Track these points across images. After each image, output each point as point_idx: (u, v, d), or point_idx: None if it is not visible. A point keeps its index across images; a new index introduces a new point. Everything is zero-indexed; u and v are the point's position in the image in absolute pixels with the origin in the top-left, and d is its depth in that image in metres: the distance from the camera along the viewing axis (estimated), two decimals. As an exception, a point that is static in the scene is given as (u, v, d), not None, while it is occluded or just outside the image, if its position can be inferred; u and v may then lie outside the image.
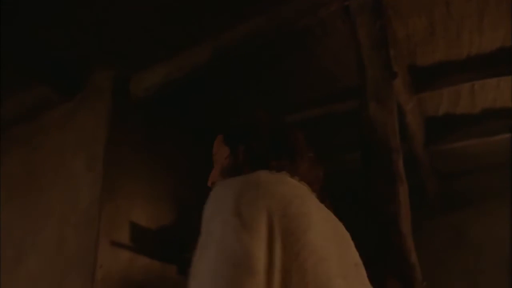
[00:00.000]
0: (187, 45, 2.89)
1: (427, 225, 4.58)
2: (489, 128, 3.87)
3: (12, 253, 3.23)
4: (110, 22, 2.75)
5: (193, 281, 1.11)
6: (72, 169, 3.06)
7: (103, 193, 2.84)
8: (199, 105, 3.42)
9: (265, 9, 2.62)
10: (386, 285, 1.89)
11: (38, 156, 3.40)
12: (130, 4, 2.64)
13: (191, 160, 3.46)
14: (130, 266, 2.91)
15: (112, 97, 3.08)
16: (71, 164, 3.09)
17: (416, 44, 3.10)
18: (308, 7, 2.57)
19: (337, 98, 3.44)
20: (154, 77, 3.04)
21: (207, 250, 1.11)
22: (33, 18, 2.72)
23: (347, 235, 1.38)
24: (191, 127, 3.52)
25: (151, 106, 3.23)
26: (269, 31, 2.63)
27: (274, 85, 3.35)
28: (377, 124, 2.22)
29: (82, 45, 2.95)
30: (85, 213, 2.85)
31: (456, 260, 4.52)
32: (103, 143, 2.96)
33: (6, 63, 3.05)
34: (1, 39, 2.83)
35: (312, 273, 1.15)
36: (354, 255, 1.36)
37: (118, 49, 2.95)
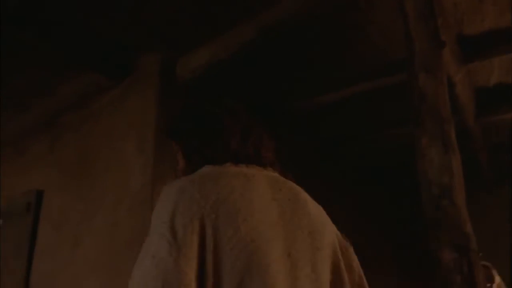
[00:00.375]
0: (232, 25, 2.90)
1: (484, 198, 4.51)
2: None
3: (69, 237, 3.34)
4: (155, 6, 2.78)
5: (130, 282, 1.21)
6: (123, 153, 3.13)
7: (154, 176, 2.89)
8: (245, 84, 3.44)
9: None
10: (441, 255, 1.89)
11: (89, 142, 3.49)
12: (174, -14, 2.66)
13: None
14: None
15: (160, 80, 3.12)
16: (122, 148, 3.15)
17: (464, 13, 3.04)
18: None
19: (385, 72, 3.40)
20: (200, 59, 3.07)
21: (146, 259, 1.24)
22: (80, 6, 2.78)
23: (300, 207, 1.46)
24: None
25: (198, 88, 3.26)
26: (315, 6, 2.62)
27: (321, 62, 3.33)
28: (427, 95, 2.20)
29: (129, 31, 3.00)
30: (137, 195, 2.91)
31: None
32: (153, 126, 3.01)
33: (56, 52, 3.14)
34: (51, 28, 2.91)
35: (244, 270, 1.26)
36: (308, 224, 1.45)
37: (164, 32, 2.98)
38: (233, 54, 2.94)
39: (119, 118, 3.27)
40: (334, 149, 4.26)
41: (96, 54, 3.13)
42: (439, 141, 2.09)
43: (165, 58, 3.16)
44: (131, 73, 3.28)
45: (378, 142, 4.23)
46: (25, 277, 3.48)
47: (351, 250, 1.57)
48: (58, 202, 3.55)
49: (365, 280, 1.57)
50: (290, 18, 2.68)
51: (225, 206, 1.32)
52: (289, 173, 1.60)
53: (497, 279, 3.73)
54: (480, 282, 1.89)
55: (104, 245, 3.04)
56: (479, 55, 3.35)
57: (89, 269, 3.09)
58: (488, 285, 3.66)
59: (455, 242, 1.89)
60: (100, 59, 3.21)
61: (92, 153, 3.42)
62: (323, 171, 4.07)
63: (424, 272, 4.41)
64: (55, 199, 3.59)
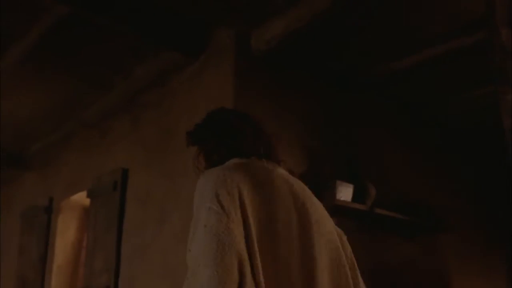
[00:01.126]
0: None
1: None
2: None
3: (156, 212, 3.49)
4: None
5: (188, 255, 1.52)
6: (204, 126, 3.22)
7: (236, 148, 2.97)
8: (321, 53, 3.45)
9: None
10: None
11: (170, 118, 3.61)
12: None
13: (318, 111, 3.52)
14: (268, 215, 3.04)
15: (235, 54, 3.18)
16: (202, 122, 3.25)
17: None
18: None
19: (463, 32, 3.33)
20: (274, 30, 3.11)
21: (198, 231, 1.51)
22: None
23: (308, 200, 1.78)
24: (314, 77, 3.56)
25: (274, 59, 3.30)
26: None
27: (396, 26, 3.30)
28: (511, 51, 2.15)
29: (202, 6, 3.07)
30: (222, 168, 3.00)
31: None
32: (231, 100, 3.08)
33: (134, 32, 3.26)
34: (127, 9, 3.02)
35: (275, 237, 1.60)
36: (314, 213, 1.75)
37: (238, 6, 3.04)
38: (308, 23, 2.95)
39: (197, 94, 3.36)
40: (414, 113, 4.21)
41: (172, 32, 3.23)
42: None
43: (239, 31, 3.22)
44: (206, 49, 3.36)
45: (459, 105, 4.15)
46: (117, 251, 3.67)
47: (345, 238, 1.91)
48: (143, 179, 3.71)
49: (356, 265, 1.89)
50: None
51: (254, 180, 1.66)
52: (295, 172, 1.94)
53: None
54: None
55: (190, 219, 3.15)
56: None
57: (176, 242, 3.22)
58: None
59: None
60: (176, 37, 3.31)
61: (173, 129, 3.54)
62: (405, 136, 4.04)
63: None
64: (140, 176, 3.75)
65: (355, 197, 3.34)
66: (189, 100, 3.44)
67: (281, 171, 1.82)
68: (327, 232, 1.77)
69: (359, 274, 1.88)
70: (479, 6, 2.41)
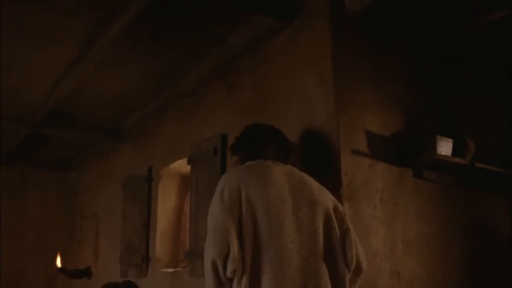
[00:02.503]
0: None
1: None
2: None
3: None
4: None
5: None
6: (303, 88, 3.34)
7: (337, 107, 3.08)
8: (415, 11, 3.47)
9: None
10: None
11: (266, 82, 3.75)
12: None
13: (414, 68, 3.56)
14: (370, 172, 3.14)
15: (330, 15, 3.26)
16: (300, 84, 3.37)
17: None
18: None
19: None
20: (368, -11, 3.17)
21: (209, 217, 2.59)
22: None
23: (303, 186, 2.69)
24: (408, 35, 3.59)
25: (368, 19, 3.36)
26: None
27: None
28: None
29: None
30: (323, 127, 3.13)
31: None
32: (329, 60, 3.18)
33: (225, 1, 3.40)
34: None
35: (269, 215, 2.56)
36: (307, 196, 2.65)
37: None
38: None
39: (294, 56, 3.47)
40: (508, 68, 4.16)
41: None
42: None
43: (333, -8, 3.29)
44: (301, 12, 3.46)
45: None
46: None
47: (344, 214, 2.72)
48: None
49: (350, 229, 2.69)
50: None
51: (255, 175, 2.65)
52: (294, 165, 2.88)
53: None
54: None
55: (294, 177, 3.30)
56: None
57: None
58: None
59: None
60: (270, 2, 3.42)
61: (270, 92, 3.67)
62: (503, 89, 4.00)
63: None
64: (239, 141, 3.91)
65: (454, 152, 3.38)
66: (286, 64, 3.56)
67: (284, 167, 2.77)
68: (323, 209, 2.63)
69: (352, 237, 2.66)
70: None
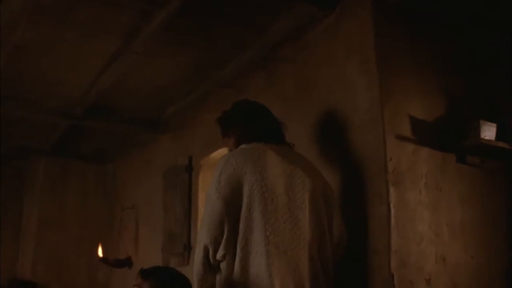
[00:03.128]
0: None
1: None
2: None
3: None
4: None
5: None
6: (345, 76, 3.40)
7: (381, 93, 3.13)
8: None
9: None
10: None
11: (307, 70, 3.81)
12: None
13: (456, 53, 3.58)
14: (414, 157, 3.19)
15: (372, 1, 3.30)
16: (343, 71, 3.42)
17: None
18: None
19: None
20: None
21: (207, 202, 2.72)
22: None
23: (298, 166, 2.83)
24: (451, 20, 3.62)
25: (409, 5, 3.40)
26: None
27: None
28: None
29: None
30: (367, 113, 3.18)
31: None
32: (372, 46, 3.22)
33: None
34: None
35: (265, 196, 2.65)
36: (300, 176, 2.79)
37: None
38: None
39: (336, 44, 3.53)
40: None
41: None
42: None
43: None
44: (342, 0, 3.51)
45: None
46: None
47: (330, 189, 2.98)
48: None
49: (337, 208, 2.97)
50: None
51: (250, 163, 2.69)
52: (293, 146, 3.11)
53: None
54: None
55: (339, 162, 3.37)
56: None
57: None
58: None
59: None
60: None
61: (311, 80, 3.74)
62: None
63: None
64: (281, 129, 3.98)
65: (498, 137, 3.39)
66: (327, 52, 3.61)
67: (280, 148, 2.90)
68: (312, 188, 2.78)
69: (337, 214, 2.93)
70: None
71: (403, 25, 3.40)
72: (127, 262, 6.45)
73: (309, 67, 3.79)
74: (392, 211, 2.96)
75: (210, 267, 2.66)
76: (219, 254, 2.61)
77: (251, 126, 2.97)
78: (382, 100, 3.11)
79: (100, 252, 6.34)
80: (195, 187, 5.19)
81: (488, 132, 3.35)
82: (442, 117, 3.41)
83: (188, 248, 5.08)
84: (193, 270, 2.71)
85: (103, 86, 4.94)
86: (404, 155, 3.14)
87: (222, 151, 4.76)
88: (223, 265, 2.63)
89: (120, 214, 6.82)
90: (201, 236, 2.66)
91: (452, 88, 3.48)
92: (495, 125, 3.37)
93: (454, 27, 3.60)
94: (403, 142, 3.15)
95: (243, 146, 2.86)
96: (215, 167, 2.76)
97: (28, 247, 7.30)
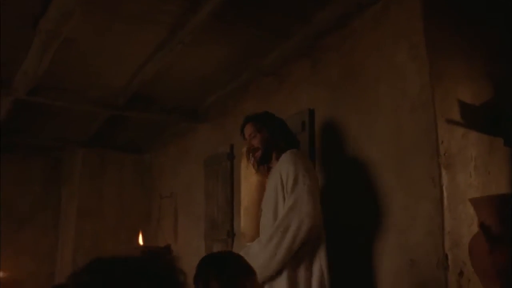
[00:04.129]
0: None
1: None
2: None
3: (349, 146, 3.84)
4: None
5: (293, 202, 3.30)
6: (394, 61, 3.50)
7: (431, 78, 3.23)
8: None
9: None
10: None
11: (353, 58, 3.92)
12: None
13: (502, 39, 3.65)
14: (464, 141, 3.29)
15: (420, -12, 3.41)
16: (391, 57, 3.53)
17: None
18: None
19: None
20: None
21: (301, 187, 3.30)
22: None
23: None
24: (495, 8, 3.69)
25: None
26: None
27: None
28: None
29: None
30: (418, 98, 3.29)
31: None
32: (421, 32, 3.32)
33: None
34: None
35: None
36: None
37: None
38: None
39: (384, 31, 3.63)
40: None
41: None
42: None
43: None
44: (390, -14, 3.62)
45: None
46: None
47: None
48: (331, 117, 4.06)
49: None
50: None
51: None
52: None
53: None
54: None
55: (388, 149, 3.48)
56: None
57: (374, 172, 3.57)
58: None
59: None
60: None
61: (358, 67, 3.85)
62: None
63: None
64: (327, 115, 4.11)
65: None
66: (375, 38, 3.72)
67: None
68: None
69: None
70: None
71: (450, 10, 3.49)
72: (167, 251, 6.61)
73: (356, 54, 3.90)
74: (445, 193, 3.07)
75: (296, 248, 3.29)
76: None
77: (283, 132, 3.70)
78: (432, 85, 3.22)
79: (140, 240, 6.52)
80: (237, 174, 5.34)
81: (535, 119, 3.43)
82: (489, 101, 3.50)
83: (232, 234, 5.23)
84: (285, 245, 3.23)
85: (146, 76, 5.09)
86: (454, 138, 3.25)
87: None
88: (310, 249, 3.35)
89: (159, 202, 7.00)
90: (309, 220, 3.26)
91: (499, 72, 3.56)
92: (542, 112, 3.45)
93: (500, 12, 3.68)
94: (453, 126, 3.26)
95: (294, 150, 3.58)
96: (291, 161, 3.45)
97: (67, 236, 7.54)
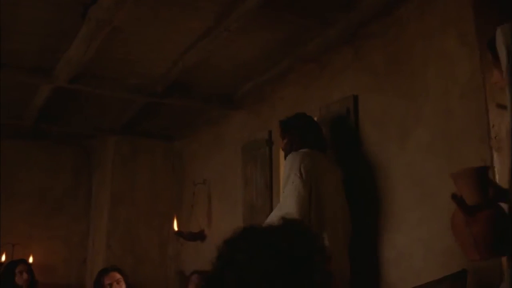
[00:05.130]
0: None
1: None
2: None
3: (395, 131, 4.02)
4: None
5: (282, 195, 3.86)
6: (443, 48, 3.66)
7: (482, 64, 3.39)
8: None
9: None
10: None
11: (398, 45, 4.08)
12: None
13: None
14: (514, 124, 3.46)
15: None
16: (440, 44, 3.69)
17: None
18: None
19: None
20: None
21: (288, 185, 3.74)
22: None
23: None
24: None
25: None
26: None
27: None
28: None
29: None
30: (469, 83, 3.45)
31: None
32: (471, 21, 3.47)
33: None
34: None
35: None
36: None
37: None
38: None
39: (431, 19, 3.79)
40: None
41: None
42: None
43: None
44: (436, -25, 3.78)
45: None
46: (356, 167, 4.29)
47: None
48: (374, 104, 4.24)
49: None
50: None
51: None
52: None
53: None
54: None
55: (437, 133, 3.65)
56: None
57: (423, 155, 3.74)
58: None
59: None
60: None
61: (404, 54, 4.01)
62: None
63: None
64: (371, 101, 4.28)
65: None
66: (421, 26, 3.88)
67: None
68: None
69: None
70: None
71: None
72: (201, 236, 6.81)
73: (401, 41, 4.06)
74: (497, 176, 3.24)
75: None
76: None
77: (305, 134, 4.12)
78: (483, 71, 3.37)
79: (175, 226, 6.73)
80: (276, 160, 5.52)
81: None
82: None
83: (271, 219, 5.41)
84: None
85: (187, 64, 5.25)
86: (504, 123, 3.40)
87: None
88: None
89: (192, 188, 7.19)
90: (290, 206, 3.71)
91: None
92: None
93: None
94: (503, 111, 3.41)
95: (306, 150, 3.99)
96: (294, 158, 3.89)
97: (100, 223, 7.76)
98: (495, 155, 3.28)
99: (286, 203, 3.68)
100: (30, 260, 7.10)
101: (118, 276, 4.97)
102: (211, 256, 1.75)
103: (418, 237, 3.73)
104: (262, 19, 4.47)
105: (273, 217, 3.53)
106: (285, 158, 4.09)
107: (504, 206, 2.51)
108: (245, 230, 1.57)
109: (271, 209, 5.42)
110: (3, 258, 7.23)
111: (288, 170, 3.81)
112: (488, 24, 3.48)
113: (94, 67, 5.42)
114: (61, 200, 8.10)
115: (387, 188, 4.02)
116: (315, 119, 4.52)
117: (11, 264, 6.19)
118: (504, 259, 2.69)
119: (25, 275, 6.01)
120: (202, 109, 6.70)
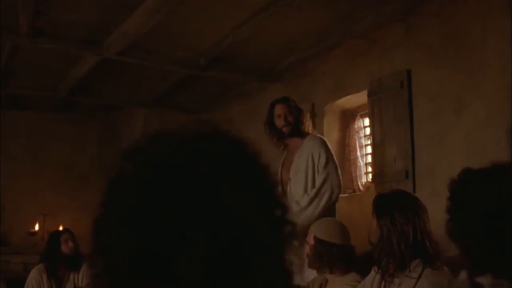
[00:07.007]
0: None
1: None
2: None
3: (450, 104, 4.54)
4: None
5: (326, 175, 4.45)
6: (502, 27, 4.15)
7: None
8: None
9: None
10: None
11: (454, 24, 4.60)
12: None
13: None
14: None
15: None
16: (500, 24, 4.17)
17: None
18: None
19: None
20: None
21: (330, 164, 4.49)
22: None
23: None
24: None
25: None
26: None
27: None
28: None
29: None
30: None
31: None
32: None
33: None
34: None
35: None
36: None
37: None
38: None
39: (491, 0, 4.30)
40: None
41: None
42: None
43: None
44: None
45: None
46: (411, 140, 4.80)
47: None
48: (430, 78, 4.75)
49: None
50: None
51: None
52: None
53: None
54: None
55: (495, 107, 4.17)
56: None
57: (481, 126, 4.27)
58: None
59: None
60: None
61: (460, 33, 4.53)
62: None
63: None
64: (425, 76, 4.80)
65: None
66: (479, 7, 4.39)
67: None
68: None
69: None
70: None
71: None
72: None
73: (456, 21, 4.58)
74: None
75: None
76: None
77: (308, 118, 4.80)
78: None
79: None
80: (320, 132, 5.99)
81: None
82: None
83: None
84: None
85: (237, 38, 5.64)
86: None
87: (348, 99, 5.59)
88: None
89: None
90: (337, 189, 4.48)
91: None
92: None
93: None
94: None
95: (319, 136, 4.86)
96: (322, 145, 4.57)
97: (127, 195, 8.17)
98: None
99: (334, 178, 4.46)
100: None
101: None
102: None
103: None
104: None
105: (325, 189, 4.38)
106: (288, 132, 4.68)
107: None
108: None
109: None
110: (37, 227, 7.66)
111: (324, 152, 4.50)
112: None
113: (144, 40, 5.78)
114: (87, 172, 8.48)
115: (443, 156, 4.52)
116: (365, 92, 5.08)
117: (55, 233, 6.58)
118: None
119: (70, 244, 6.38)
120: (237, 82, 7.08)
